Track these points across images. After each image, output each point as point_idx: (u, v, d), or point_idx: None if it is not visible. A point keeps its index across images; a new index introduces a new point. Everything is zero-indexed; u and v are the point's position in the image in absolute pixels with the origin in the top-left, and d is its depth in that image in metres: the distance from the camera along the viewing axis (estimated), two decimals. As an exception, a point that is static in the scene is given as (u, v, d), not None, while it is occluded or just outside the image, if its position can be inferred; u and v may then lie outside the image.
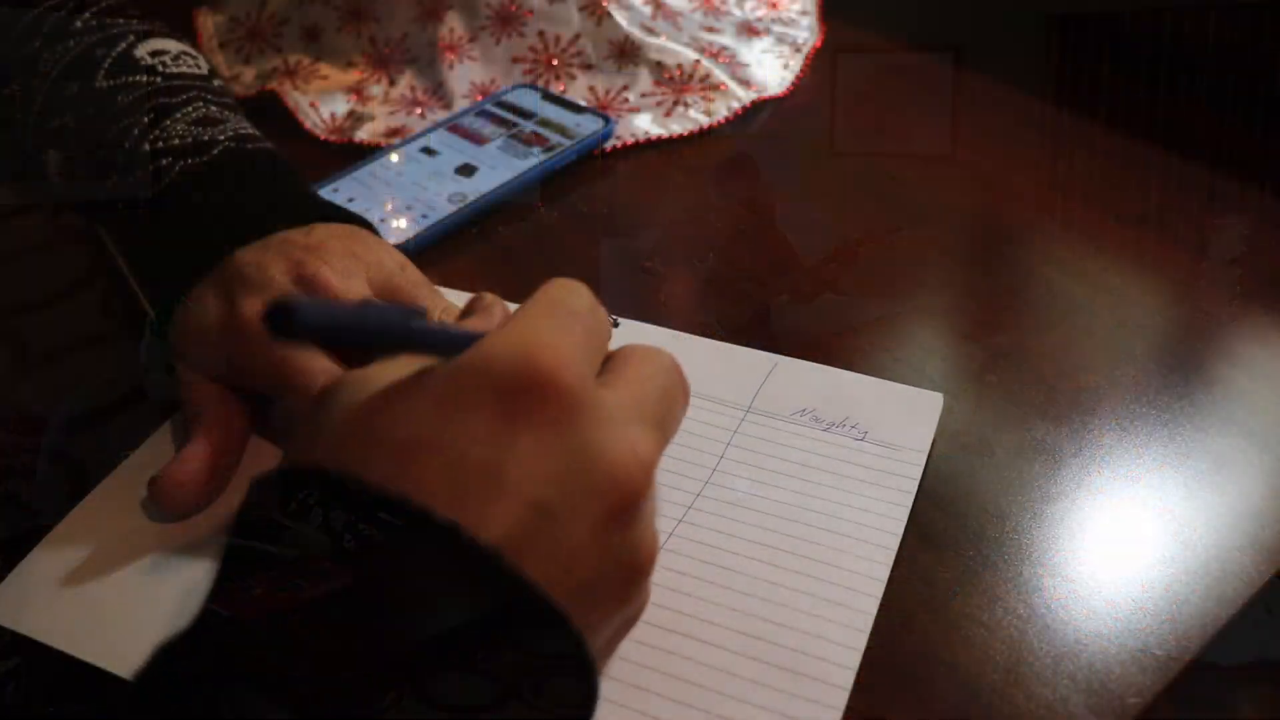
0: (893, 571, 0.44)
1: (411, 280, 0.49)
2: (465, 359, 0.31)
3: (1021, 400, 0.53)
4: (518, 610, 0.28)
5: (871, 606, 0.43)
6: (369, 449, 0.30)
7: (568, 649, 0.29)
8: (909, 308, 0.60)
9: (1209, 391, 0.54)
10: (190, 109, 0.52)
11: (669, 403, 0.36)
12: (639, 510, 0.32)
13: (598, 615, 0.32)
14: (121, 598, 0.43)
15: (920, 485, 0.48)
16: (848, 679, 0.40)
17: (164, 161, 0.50)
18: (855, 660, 0.41)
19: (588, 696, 0.30)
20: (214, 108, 0.53)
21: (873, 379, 0.53)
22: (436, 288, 0.50)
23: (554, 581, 0.29)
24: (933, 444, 0.50)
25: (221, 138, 0.51)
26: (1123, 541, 0.47)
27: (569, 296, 0.34)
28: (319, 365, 0.44)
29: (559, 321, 0.33)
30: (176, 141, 0.51)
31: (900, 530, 0.46)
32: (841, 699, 0.40)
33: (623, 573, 0.32)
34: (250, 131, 0.53)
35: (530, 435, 0.30)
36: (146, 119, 0.51)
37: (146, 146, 0.50)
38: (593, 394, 0.32)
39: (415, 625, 0.28)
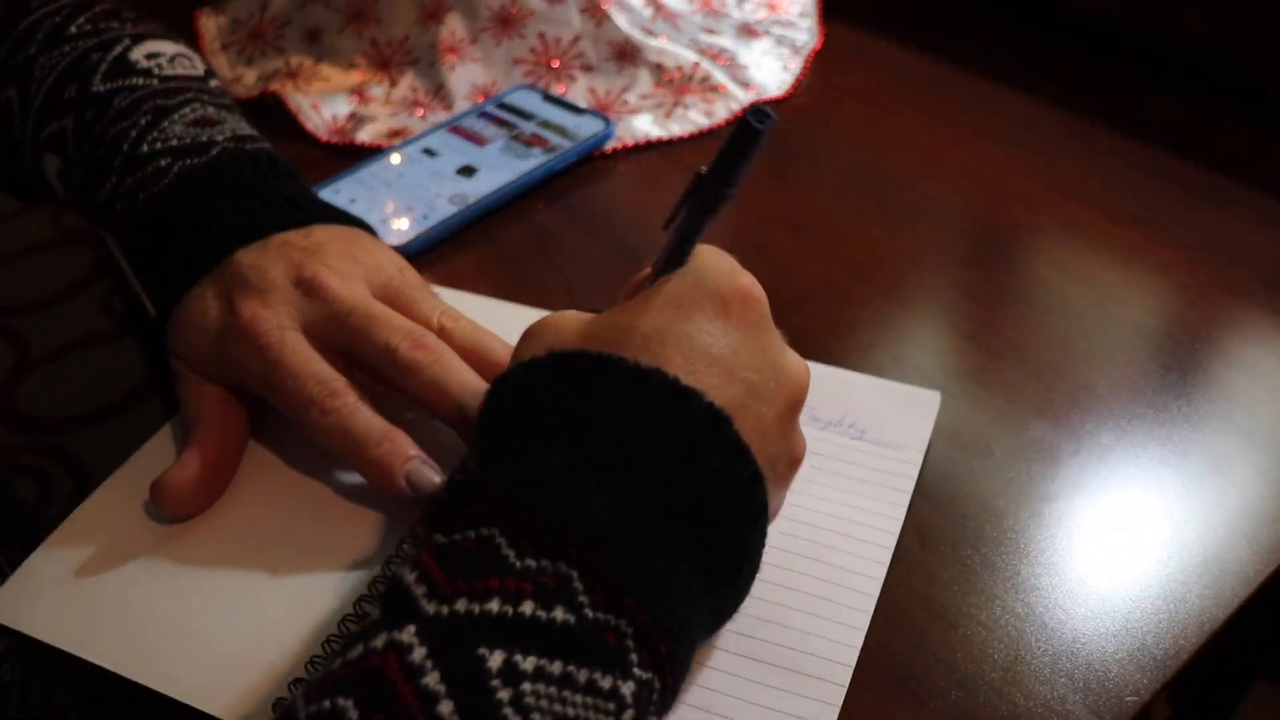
0: (890, 570, 0.45)
1: (410, 283, 0.49)
2: (684, 275, 0.39)
3: (1020, 400, 0.53)
4: (733, 469, 0.36)
5: (869, 605, 0.43)
6: (620, 337, 0.38)
7: (760, 507, 0.37)
8: (908, 308, 0.60)
9: (1207, 391, 0.54)
10: (187, 110, 0.52)
11: None
12: (798, 415, 0.40)
13: (770, 488, 0.38)
14: (124, 598, 0.43)
15: (918, 484, 0.48)
16: (846, 677, 0.41)
17: (163, 162, 0.50)
18: (853, 658, 0.41)
19: (758, 550, 0.38)
20: (211, 108, 0.53)
21: (870, 378, 0.53)
22: (436, 289, 0.51)
23: (754, 449, 0.36)
24: (930, 443, 0.50)
25: (220, 138, 0.51)
26: (1120, 541, 0.47)
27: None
28: (311, 370, 0.44)
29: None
30: (175, 142, 0.51)
31: (898, 529, 0.46)
32: (839, 697, 0.40)
33: (789, 459, 0.40)
34: (248, 132, 0.53)
35: (741, 332, 0.38)
36: (144, 120, 0.51)
37: (145, 148, 0.50)
38: None
39: (662, 480, 0.35)
